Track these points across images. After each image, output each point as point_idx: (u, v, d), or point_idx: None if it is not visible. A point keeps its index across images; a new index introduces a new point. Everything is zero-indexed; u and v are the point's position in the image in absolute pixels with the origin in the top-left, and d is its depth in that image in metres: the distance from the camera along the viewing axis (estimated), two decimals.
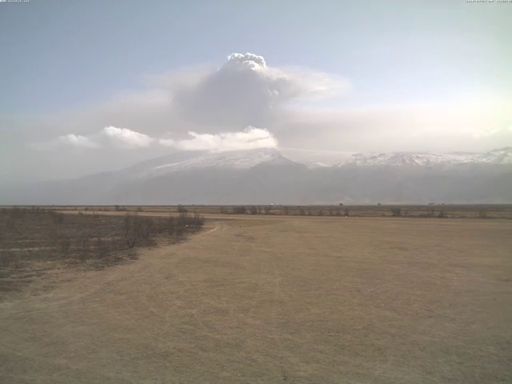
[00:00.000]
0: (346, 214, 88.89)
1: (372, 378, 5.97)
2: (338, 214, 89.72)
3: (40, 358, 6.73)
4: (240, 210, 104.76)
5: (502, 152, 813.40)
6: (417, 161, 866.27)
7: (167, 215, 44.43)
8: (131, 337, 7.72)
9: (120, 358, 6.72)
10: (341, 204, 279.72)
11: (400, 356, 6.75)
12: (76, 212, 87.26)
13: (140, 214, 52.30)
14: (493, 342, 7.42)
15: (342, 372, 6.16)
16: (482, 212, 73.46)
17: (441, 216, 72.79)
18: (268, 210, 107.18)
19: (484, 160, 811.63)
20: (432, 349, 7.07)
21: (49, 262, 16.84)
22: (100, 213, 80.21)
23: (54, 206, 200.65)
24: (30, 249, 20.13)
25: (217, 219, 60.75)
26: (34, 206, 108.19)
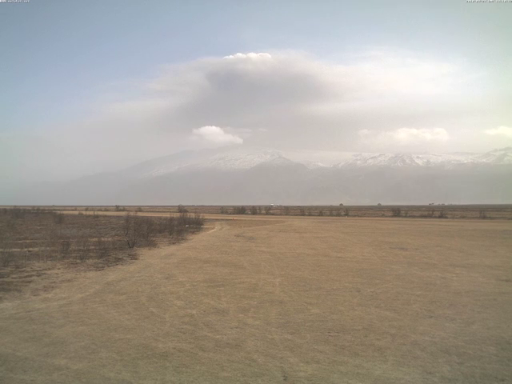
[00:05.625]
0: (346, 214, 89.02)
1: (372, 378, 5.97)
2: (338, 214, 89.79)
3: (40, 358, 6.73)
4: (240, 210, 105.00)
5: (502, 152, 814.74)
6: (417, 161, 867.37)
7: (167, 215, 44.44)
8: (131, 337, 7.72)
9: (120, 358, 6.71)
10: (341, 204, 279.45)
11: (400, 356, 6.74)
12: (76, 212, 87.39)
13: (140, 214, 52.29)
14: (493, 341, 7.42)
15: (341, 372, 6.15)
16: (482, 212, 73.56)
17: (441, 216, 72.85)
18: (268, 210, 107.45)
19: (484, 160, 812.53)
20: (432, 349, 7.07)
21: (49, 263, 16.85)
22: (100, 213, 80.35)
23: (54, 206, 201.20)
24: (31, 249, 20.12)
25: (217, 219, 60.79)
26: (34, 206, 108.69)
